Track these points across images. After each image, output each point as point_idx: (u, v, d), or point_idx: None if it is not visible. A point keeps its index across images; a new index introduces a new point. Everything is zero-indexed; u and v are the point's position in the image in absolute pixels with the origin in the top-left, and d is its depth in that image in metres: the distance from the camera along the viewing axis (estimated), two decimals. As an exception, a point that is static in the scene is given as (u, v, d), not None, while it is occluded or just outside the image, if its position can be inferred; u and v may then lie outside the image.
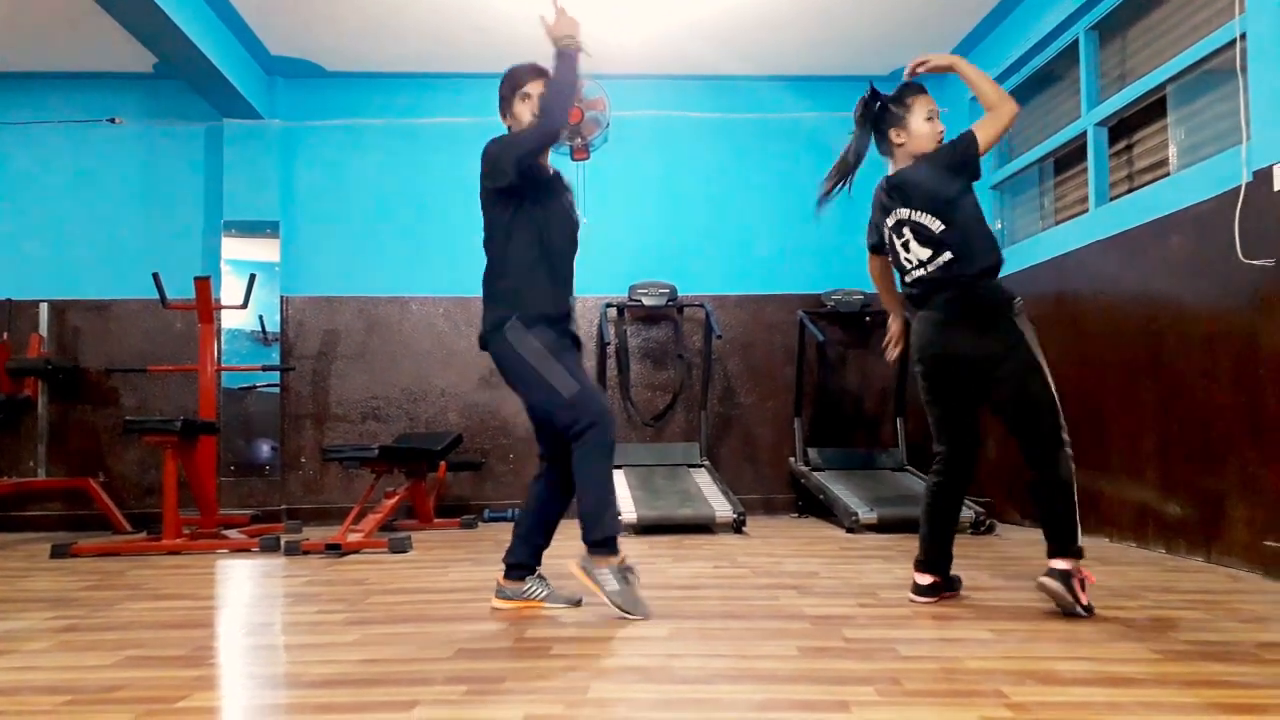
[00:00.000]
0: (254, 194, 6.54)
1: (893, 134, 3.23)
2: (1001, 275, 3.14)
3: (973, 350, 3.07)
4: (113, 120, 6.46)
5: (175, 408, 6.42)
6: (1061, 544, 2.95)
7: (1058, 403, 3.05)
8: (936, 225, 3.08)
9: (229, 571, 4.31)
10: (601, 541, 3.05)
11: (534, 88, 3.23)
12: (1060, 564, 2.93)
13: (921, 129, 3.20)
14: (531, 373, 3.08)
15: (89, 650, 2.68)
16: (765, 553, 4.58)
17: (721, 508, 5.53)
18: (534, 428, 3.27)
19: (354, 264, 6.67)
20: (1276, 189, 3.59)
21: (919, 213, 3.12)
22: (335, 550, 4.71)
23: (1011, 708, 1.99)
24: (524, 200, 3.17)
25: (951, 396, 3.17)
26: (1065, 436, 3.04)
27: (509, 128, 3.30)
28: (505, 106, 3.32)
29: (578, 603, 3.20)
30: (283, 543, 4.86)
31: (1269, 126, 3.66)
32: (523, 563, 3.23)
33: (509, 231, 3.17)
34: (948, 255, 3.06)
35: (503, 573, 3.24)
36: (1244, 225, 3.73)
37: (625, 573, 3.06)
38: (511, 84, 3.29)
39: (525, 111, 3.23)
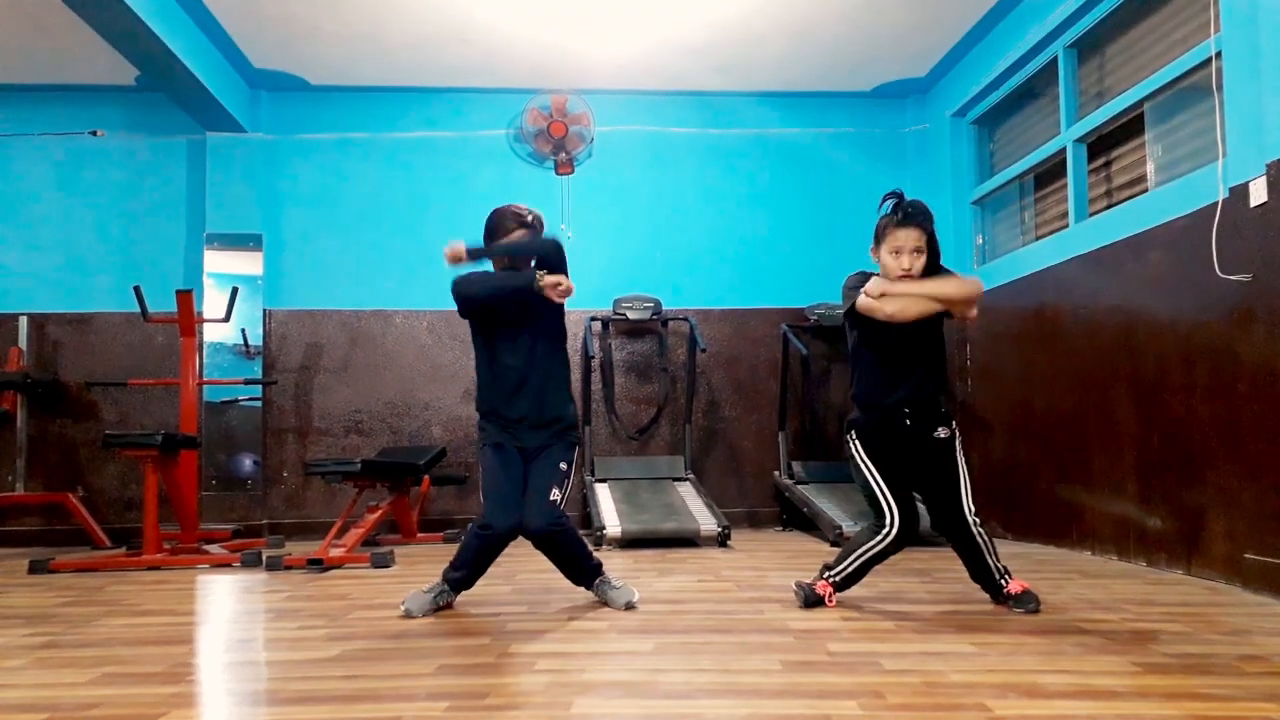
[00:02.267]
0: (237, 207, 6.51)
1: (872, 255, 3.44)
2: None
3: None
4: (94, 133, 6.40)
5: (156, 422, 6.38)
6: None
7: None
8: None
9: (209, 587, 4.27)
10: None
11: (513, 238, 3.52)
12: None
13: (884, 262, 3.34)
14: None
15: (67, 667, 2.65)
16: (750, 566, 4.58)
17: (706, 522, 5.52)
18: None
19: (337, 277, 6.65)
20: (1253, 205, 3.63)
21: None
22: (317, 565, 4.68)
23: (995, 721, 1.99)
24: None
25: None
26: None
27: None
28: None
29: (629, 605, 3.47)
30: (264, 558, 4.82)
31: (1245, 143, 3.70)
32: None
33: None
34: None
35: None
36: (1221, 241, 3.77)
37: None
38: (489, 225, 3.57)
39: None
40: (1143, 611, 3.24)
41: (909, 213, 3.27)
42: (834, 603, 3.42)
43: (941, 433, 3.40)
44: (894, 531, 3.36)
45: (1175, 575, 4.06)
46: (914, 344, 3.37)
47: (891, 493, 3.38)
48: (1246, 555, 3.67)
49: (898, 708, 2.10)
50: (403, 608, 3.36)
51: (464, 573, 3.45)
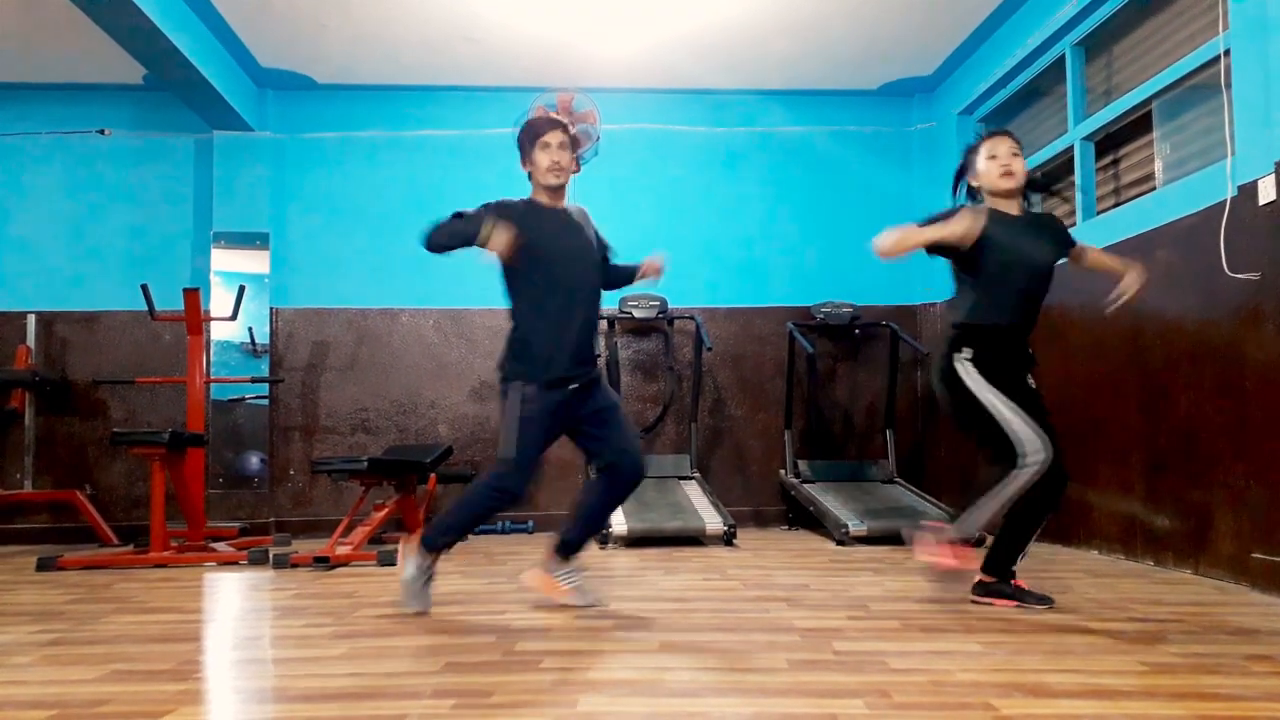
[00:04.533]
0: (244, 206, 6.52)
1: (970, 180, 3.49)
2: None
3: None
4: (102, 132, 6.43)
5: (163, 420, 6.38)
6: None
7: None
8: None
9: (216, 585, 4.28)
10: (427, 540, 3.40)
11: (552, 137, 3.43)
12: None
13: (983, 169, 3.39)
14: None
15: (74, 664, 2.66)
16: (755, 565, 4.58)
17: (712, 520, 5.51)
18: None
19: (344, 275, 6.65)
20: (1261, 203, 3.61)
21: None
22: (324, 563, 4.68)
23: (1001, 721, 1.99)
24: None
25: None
26: None
27: (528, 174, 3.51)
28: (523, 154, 3.50)
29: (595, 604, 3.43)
30: (271, 555, 4.83)
31: (1253, 141, 3.69)
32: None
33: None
34: None
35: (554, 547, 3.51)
36: (1229, 239, 3.75)
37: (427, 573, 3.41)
38: (530, 133, 3.47)
39: (543, 159, 3.42)
40: (1150, 611, 3.23)
41: (995, 129, 3.42)
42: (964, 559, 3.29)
43: (1031, 381, 3.32)
44: (1044, 456, 3.14)
45: (1183, 575, 4.05)
46: (1036, 273, 3.34)
47: (1030, 415, 3.18)
48: (1254, 555, 3.66)
49: (904, 707, 2.10)
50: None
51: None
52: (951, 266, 3.41)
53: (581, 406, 3.40)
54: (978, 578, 3.38)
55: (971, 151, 3.43)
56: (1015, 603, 3.30)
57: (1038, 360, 3.39)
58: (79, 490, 6.18)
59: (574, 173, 3.52)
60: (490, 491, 3.31)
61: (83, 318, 6.50)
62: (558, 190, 3.46)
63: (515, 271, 3.37)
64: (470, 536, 6.10)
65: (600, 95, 6.68)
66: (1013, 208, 3.38)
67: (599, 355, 3.42)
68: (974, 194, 3.47)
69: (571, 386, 3.35)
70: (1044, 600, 3.27)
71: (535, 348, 3.35)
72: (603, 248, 3.60)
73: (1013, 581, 3.33)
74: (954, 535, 3.29)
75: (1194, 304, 4.06)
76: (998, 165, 3.34)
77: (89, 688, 2.38)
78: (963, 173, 3.49)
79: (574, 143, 3.51)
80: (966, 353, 3.28)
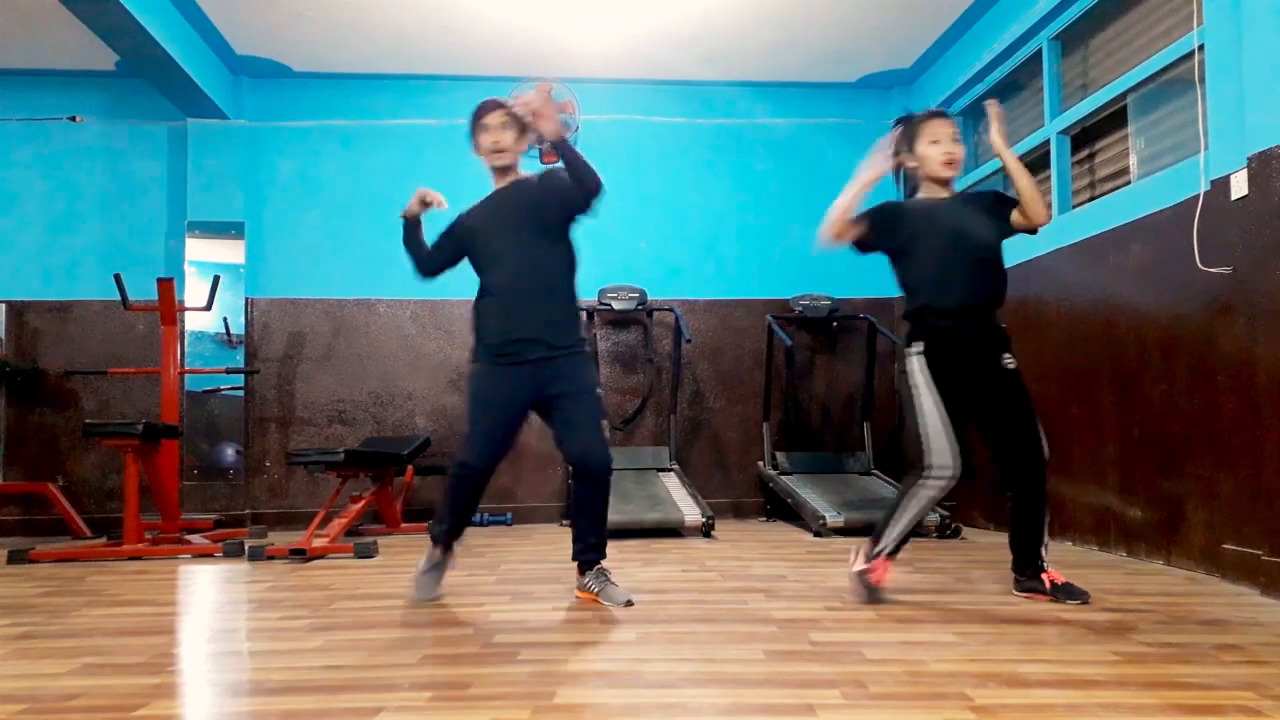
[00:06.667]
0: (219, 195, 6.46)
1: (906, 161, 3.39)
2: None
3: None
4: (73, 119, 6.36)
5: (137, 411, 6.34)
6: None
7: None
8: None
9: (191, 577, 4.25)
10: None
11: (491, 119, 3.41)
12: None
13: (925, 154, 3.30)
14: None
15: (46, 658, 2.64)
16: (733, 556, 4.59)
17: (690, 512, 5.53)
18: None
19: (320, 266, 6.61)
20: (1234, 198, 3.65)
21: None
22: (300, 555, 4.66)
23: (975, 710, 2.01)
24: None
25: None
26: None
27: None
28: (472, 142, 3.52)
29: (629, 603, 3.26)
30: (246, 547, 4.80)
31: (1227, 136, 3.72)
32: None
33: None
34: None
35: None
36: (1202, 234, 3.79)
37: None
38: (472, 119, 3.48)
39: (485, 141, 3.42)
40: (1122, 601, 3.26)
41: (934, 110, 3.32)
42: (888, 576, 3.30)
43: (1009, 361, 3.21)
44: (950, 473, 3.14)
45: (1155, 565, 4.10)
46: (970, 250, 3.22)
47: (954, 428, 3.16)
48: (1225, 545, 3.70)
49: (880, 697, 2.12)
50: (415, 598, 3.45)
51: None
52: (890, 262, 3.39)
53: (547, 386, 3.28)
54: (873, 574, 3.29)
55: (909, 130, 3.33)
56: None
57: (1011, 339, 3.31)
58: (51, 482, 6.12)
59: (521, 150, 3.44)
60: (451, 472, 3.38)
61: (55, 307, 6.43)
62: (504, 171, 3.44)
63: (472, 261, 3.47)
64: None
65: (579, 86, 6.67)
66: (944, 192, 3.34)
67: (577, 329, 3.33)
68: (909, 178, 3.41)
69: (525, 360, 3.27)
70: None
71: (479, 325, 3.38)
72: (555, 191, 3.36)
73: (1044, 576, 3.27)
74: (870, 549, 3.29)
75: (1167, 297, 4.10)
76: (941, 152, 3.26)
77: (61, 681, 2.36)
78: (899, 155, 3.38)
79: (519, 122, 3.39)
80: (917, 346, 3.27)
